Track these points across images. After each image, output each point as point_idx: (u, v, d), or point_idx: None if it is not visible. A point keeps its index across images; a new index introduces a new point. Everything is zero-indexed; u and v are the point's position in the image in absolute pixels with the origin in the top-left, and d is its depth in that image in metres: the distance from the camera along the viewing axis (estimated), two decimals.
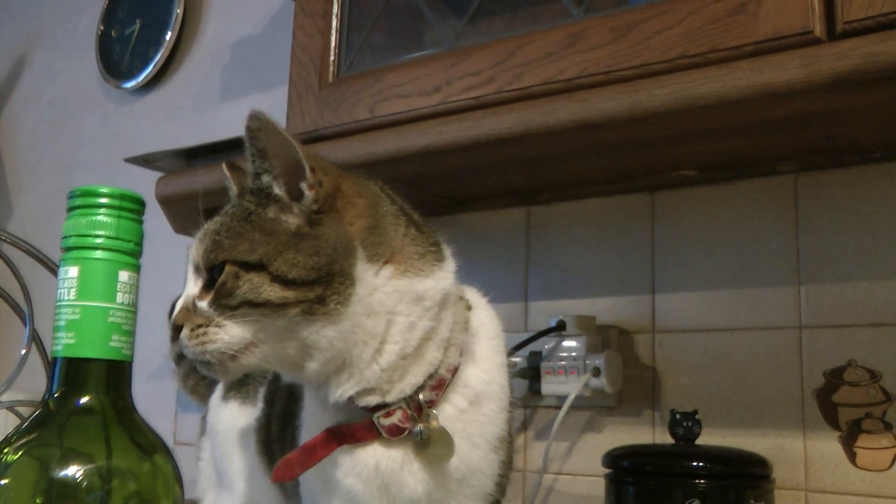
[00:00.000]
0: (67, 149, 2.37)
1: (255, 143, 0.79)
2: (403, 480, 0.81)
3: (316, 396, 0.85)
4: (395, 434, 0.81)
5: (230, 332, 0.77)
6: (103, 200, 0.57)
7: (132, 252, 0.58)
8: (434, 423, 0.81)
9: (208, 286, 0.79)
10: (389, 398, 0.80)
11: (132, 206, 0.58)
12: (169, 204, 1.48)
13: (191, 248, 0.82)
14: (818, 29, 0.94)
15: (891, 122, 1.10)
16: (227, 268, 0.78)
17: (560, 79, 1.07)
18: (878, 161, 1.21)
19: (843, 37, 0.93)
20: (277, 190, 0.81)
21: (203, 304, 0.78)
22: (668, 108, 0.98)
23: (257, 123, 0.78)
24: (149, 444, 0.59)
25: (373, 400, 0.80)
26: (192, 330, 0.78)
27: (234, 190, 0.90)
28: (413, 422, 0.80)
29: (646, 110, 0.99)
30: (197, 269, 0.81)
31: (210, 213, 1.50)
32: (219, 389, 1.15)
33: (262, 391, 1.07)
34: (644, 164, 1.27)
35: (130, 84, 2.18)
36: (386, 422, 0.81)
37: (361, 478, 0.81)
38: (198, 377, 1.27)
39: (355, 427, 0.81)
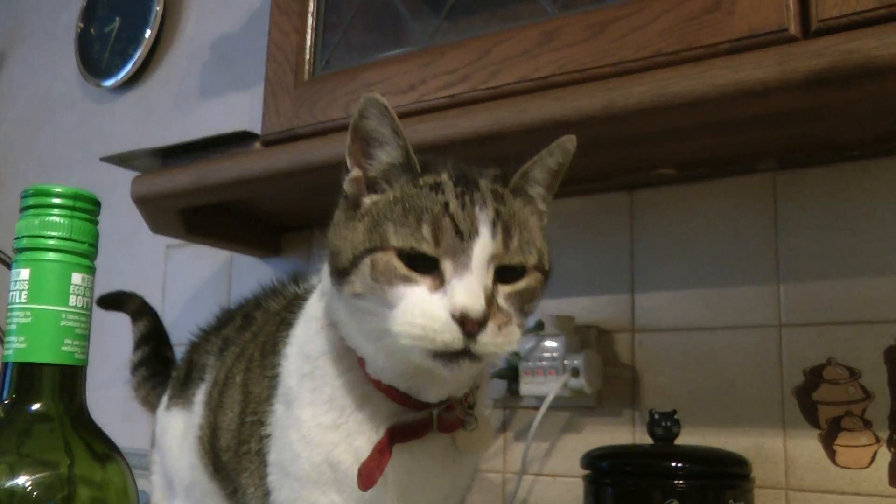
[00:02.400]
0: (46, 148, 2.35)
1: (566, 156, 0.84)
2: (426, 484, 0.84)
3: (370, 397, 0.83)
4: (453, 428, 0.84)
5: (519, 334, 0.76)
6: (56, 200, 0.55)
7: (86, 253, 0.57)
8: (477, 413, 0.85)
9: (499, 280, 0.76)
10: (458, 394, 0.83)
11: (86, 207, 0.57)
12: (145, 204, 1.46)
13: (477, 232, 0.74)
14: (793, 27, 0.94)
15: (868, 120, 1.10)
16: (535, 273, 0.78)
17: (535, 77, 1.06)
18: (856, 159, 1.21)
19: (817, 35, 0.93)
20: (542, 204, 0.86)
21: (501, 300, 0.75)
22: (644, 106, 0.98)
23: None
24: (104, 449, 0.58)
25: (442, 395, 0.82)
26: (499, 327, 0.73)
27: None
28: (467, 415, 0.84)
29: (621, 108, 0.99)
30: (492, 258, 0.74)
31: (187, 212, 1.51)
32: (164, 400, 1.15)
33: (199, 396, 1.06)
34: (622, 163, 1.26)
35: (110, 82, 2.16)
36: (449, 415, 0.83)
37: (393, 485, 0.82)
38: (149, 387, 1.27)
39: (417, 423, 0.82)
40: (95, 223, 0.58)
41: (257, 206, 1.57)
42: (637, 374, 1.32)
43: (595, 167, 1.30)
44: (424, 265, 0.73)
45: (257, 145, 1.34)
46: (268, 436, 0.88)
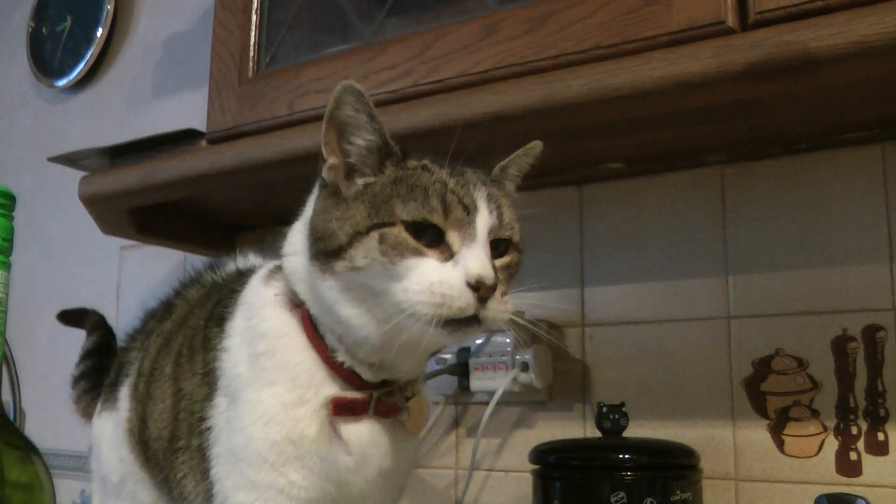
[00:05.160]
0: None
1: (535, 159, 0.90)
2: (380, 455, 0.86)
3: (327, 373, 0.85)
4: (389, 414, 0.86)
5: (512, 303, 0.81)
6: None
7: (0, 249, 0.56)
8: (415, 398, 0.89)
9: (492, 253, 0.80)
10: (401, 378, 0.87)
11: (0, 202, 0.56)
12: (93, 204, 1.44)
13: (478, 208, 0.79)
14: (731, 19, 0.94)
15: (815, 113, 1.11)
16: (515, 251, 0.84)
17: (476, 71, 1.06)
18: (803, 152, 1.22)
19: (755, 27, 0.93)
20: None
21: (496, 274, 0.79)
22: (584, 98, 0.98)
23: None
24: (25, 446, 0.57)
25: (383, 376, 0.86)
26: (502, 295, 0.78)
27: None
28: (404, 402, 0.88)
29: (561, 101, 0.99)
30: (490, 231, 0.80)
31: (136, 212, 1.50)
32: (97, 406, 1.14)
33: (123, 391, 1.06)
34: (571, 158, 1.26)
35: (62, 82, 2.13)
36: (388, 400, 0.86)
37: (353, 452, 0.84)
38: (89, 398, 1.26)
39: (357, 401, 0.84)
40: (10, 218, 0.57)
41: (209, 206, 1.56)
42: (587, 368, 1.32)
43: (544, 162, 1.29)
44: (431, 237, 0.77)
45: (203, 143, 1.33)
46: (209, 429, 0.88)
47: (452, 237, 0.77)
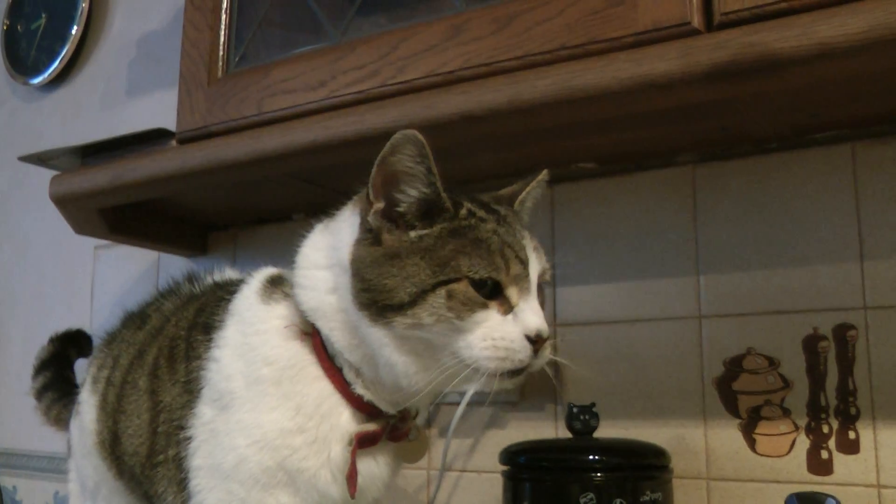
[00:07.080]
0: None
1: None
2: (376, 488, 0.89)
3: (338, 404, 0.86)
4: (401, 437, 0.89)
5: None
6: None
7: None
8: (419, 426, 0.93)
9: None
10: (416, 406, 0.90)
11: None
12: (64, 203, 1.43)
13: (529, 259, 0.82)
14: (696, 20, 0.94)
15: (784, 113, 1.11)
16: (544, 288, 0.87)
17: (442, 71, 1.06)
18: (773, 151, 1.22)
19: (720, 28, 0.93)
20: None
21: None
22: (549, 99, 0.98)
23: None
24: None
25: (399, 407, 0.88)
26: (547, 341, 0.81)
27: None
28: (413, 426, 0.91)
29: (527, 102, 0.99)
30: (537, 283, 0.83)
31: (107, 212, 1.49)
32: (74, 410, 1.13)
33: (84, 395, 1.06)
34: (542, 157, 1.25)
35: (37, 80, 2.12)
36: (403, 426, 0.89)
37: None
38: (60, 407, 1.25)
39: (377, 432, 0.87)
40: None
41: (181, 206, 1.55)
42: (559, 368, 1.32)
43: (515, 162, 1.29)
44: (491, 290, 0.79)
45: (174, 143, 1.32)
46: (188, 439, 0.87)
47: (511, 291, 0.79)
